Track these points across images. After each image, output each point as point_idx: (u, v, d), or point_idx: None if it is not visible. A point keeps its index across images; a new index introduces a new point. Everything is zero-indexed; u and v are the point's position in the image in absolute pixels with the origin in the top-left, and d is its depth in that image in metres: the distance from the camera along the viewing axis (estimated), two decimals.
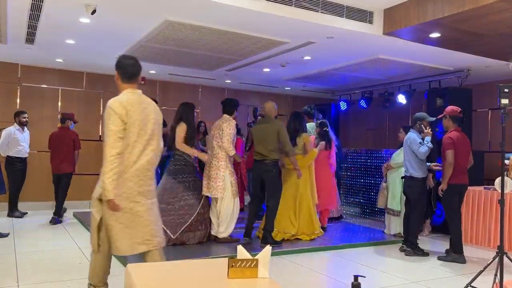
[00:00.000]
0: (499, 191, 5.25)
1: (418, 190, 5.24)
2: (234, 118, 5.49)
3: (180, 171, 5.30)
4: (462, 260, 4.98)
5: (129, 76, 3.02)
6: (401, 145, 5.94)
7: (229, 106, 5.52)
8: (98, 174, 2.95)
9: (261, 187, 5.46)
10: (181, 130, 5.22)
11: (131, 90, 3.01)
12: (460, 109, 5.23)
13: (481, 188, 6.09)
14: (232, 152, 5.34)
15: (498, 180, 5.54)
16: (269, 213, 5.32)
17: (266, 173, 5.32)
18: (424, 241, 6.11)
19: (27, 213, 7.30)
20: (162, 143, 3.14)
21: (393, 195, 6.19)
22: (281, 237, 5.58)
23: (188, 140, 5.24)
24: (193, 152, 5.27)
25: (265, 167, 5.32)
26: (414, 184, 5.24)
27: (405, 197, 5.56)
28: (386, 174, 6.36)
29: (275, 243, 5.24)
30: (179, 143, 5.20)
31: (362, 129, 10.37)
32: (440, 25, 4.89)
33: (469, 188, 6.04)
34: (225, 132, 5.31)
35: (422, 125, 5.32)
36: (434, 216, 6.74)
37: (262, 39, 5.65)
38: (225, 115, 5.52)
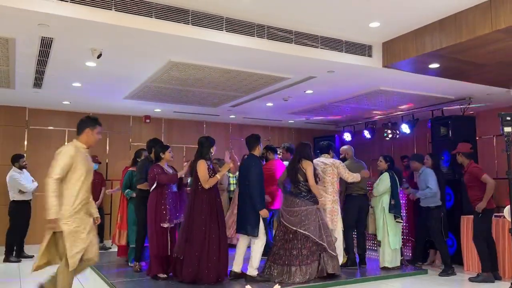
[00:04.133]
0: (509, 219, 5.21)
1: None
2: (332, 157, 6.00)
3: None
4: (492, 279, 5.35)
5: None
6: (380, 174, 6.19)
7: (328, 147, 6.01)
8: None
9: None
10: (310, 169, 5.31)
11: None
12: (471, 145, 5.83)
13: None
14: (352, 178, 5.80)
15: (507, 209, 5.46)
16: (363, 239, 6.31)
17: (367, 205, 6.20)
18: (433, 272, 5.98)
19: (33, 256, 7.24)
20: None
21: (377, 222, 6.13)
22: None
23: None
24: (320, 194, 5.43)
25: (366, 200, 6.21)
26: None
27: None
28: (371, 199, 6.37)
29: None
30: (314, 184, 5.29)
31: (367, 159, 10.32)
32: (438, 56, 4.97)
33: None
34: (343, 170, 5.77)
35: None
36: None
37: (264, 76, 5.75)
38: (326, 154, 5.94)
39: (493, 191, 5.39)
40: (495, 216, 5.91)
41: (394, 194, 5.97)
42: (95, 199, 7.98)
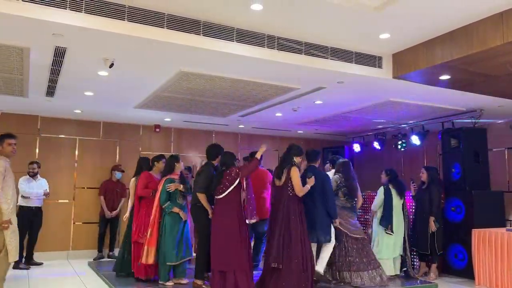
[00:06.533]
0: None
1: None
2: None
3: None
4: None
5: None
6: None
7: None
8: None
9: None
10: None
11: None
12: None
13: (504, 229, 5.90)
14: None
15: None
16: None
17: None
18: (443, 286, 5.89)
19: (42, 263, 7.28)
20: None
21: (376, 241, 6.23)
22: None
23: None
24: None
25: None
26: None
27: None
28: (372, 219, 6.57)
29: None
30: (361, 200, 6.05)
31: (377, 171, 10.23)
32: (449, 67, 4.95)
33: (491, 229, 5.92)
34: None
35: None
36: (456, 259, 6.51)
37: (273, 86, 5.77)
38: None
39: None
40: (508, 230, 5.82)
41: (384, 206, 6.16)
42: (114, 208, 8.03)
